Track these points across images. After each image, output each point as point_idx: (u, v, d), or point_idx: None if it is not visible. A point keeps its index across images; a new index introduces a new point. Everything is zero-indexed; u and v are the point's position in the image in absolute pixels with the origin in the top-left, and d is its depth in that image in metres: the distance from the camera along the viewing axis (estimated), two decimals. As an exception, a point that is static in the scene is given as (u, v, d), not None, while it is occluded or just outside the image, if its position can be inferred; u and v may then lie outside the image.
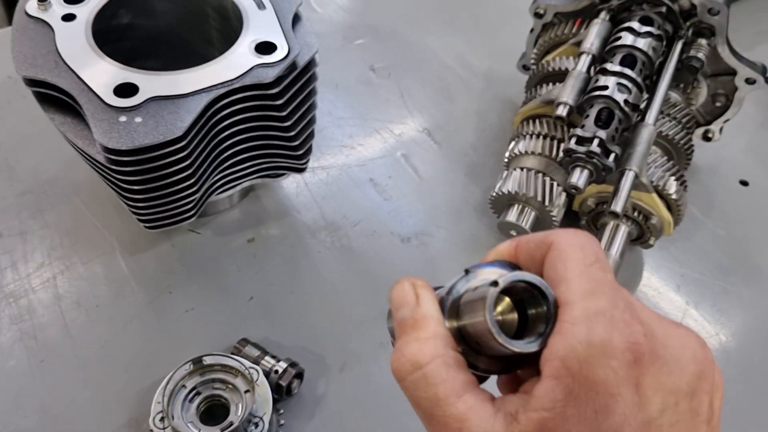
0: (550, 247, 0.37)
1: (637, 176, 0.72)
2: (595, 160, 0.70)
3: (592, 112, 0.73)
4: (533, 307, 0.36)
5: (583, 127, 0.72)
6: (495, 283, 0.35)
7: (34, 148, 0.90)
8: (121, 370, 0.71)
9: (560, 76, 0.83)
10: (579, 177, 0.71)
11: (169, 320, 0.76)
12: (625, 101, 0.73)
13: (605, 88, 0.73)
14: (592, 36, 0.80)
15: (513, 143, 0.85)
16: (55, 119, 0.67)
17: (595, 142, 0.70)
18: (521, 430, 0.32)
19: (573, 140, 0.72)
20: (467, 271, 0.39)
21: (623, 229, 0.78)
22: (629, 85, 0.74)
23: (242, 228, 0.85)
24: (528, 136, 0.83)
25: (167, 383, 0.64)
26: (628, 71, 0.74)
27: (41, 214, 0.84)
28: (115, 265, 0.80)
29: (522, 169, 0.81)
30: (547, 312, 0.35)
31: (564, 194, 0.80)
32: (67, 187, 0.86)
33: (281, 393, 0.69)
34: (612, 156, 0.71)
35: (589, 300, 0.33)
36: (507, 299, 0.38)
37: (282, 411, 0.70)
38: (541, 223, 0.81)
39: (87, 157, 0.68)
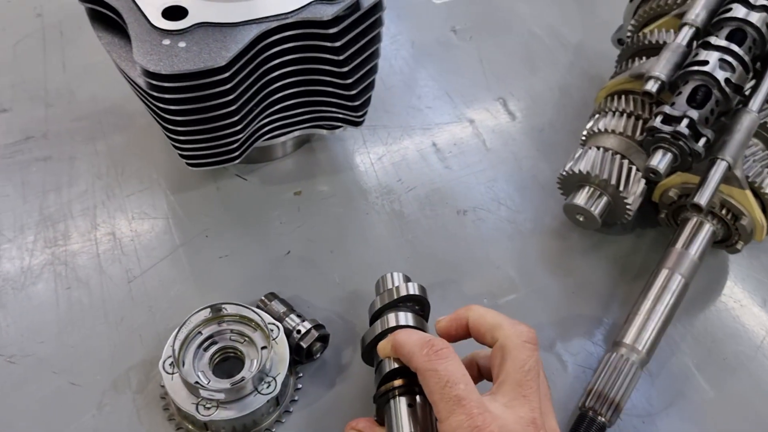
0: (416, 369, 0.52)
1: (730, 167, 0.62)
2: (681, 143, 0.61)
3: (686, 89, 0.64)
4: None
5: (672, 105, 0.63)
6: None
7: (96, 77, 0.88)
8: (144, 308, 0.69)
9: (656, 50, 0.73)
10: (660, 160, 0.62)
11: (201, 264, 0.73)
12: (727, 80, 0.63)
13: (705, 63, 0.64)
14: (699, 6, 0.70)
15: (593, 120, 0.76)
16: (103, 38, 0.65)
17: (685, 122, 0.61)
18: None
19: (659, 118, 0.63)
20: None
21: (707, 228, 0.69)
22: (734, 62, 0.64)
23: (291, 180, 0.81)
24: (610, 114, 0.74)
25: (182, 327, 0.61)
26: (734, 47, 0.65)
27: (92, 142, 0.82)
28: (157, 202, 0.77)
29: (599, 148, 0.72)
30: None
31: (643, 181, 0.71)
32: (122, 119, 0.84)
33: (302, 355, 0.64)
34: (703, 141, 0.62)
35: (450, 419, 0.48)
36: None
37: (301, 374, 0.65)
38: (613, 210, 0.72)
39: (130, 81, 0.65)
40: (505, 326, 0.53)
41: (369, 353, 0.61)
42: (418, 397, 0.54)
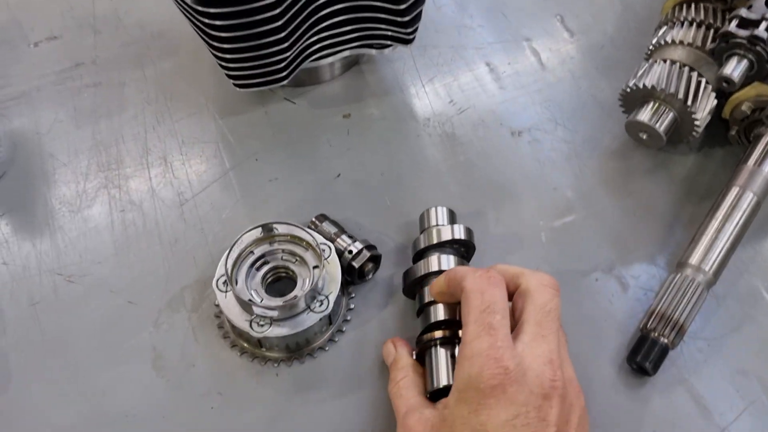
0: (463, 289, 0.52)
1: (812, 75, 0.58)
2: (758, 48, 0.57)
3: (766, -10, 0.59)
4: None
5: (749, 7, 0.59)
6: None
7: (143, 2, 0.87)
8: (197, 230, 0.69)
9: (732, -48, 0.68)
10: (735, 68, 0.58)
11: (252, 187, 0.72)
12: (813, -22, 0.58)
13: (788, -40, 0.59)
14: None
15: (660, 32, 0.71)
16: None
17: (763, 25, 0.57)
18: (433, 414, 0.52)
19: (734, 22, 0.58)
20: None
21: (783, 144, 0.65)
22: (821, -42, 0.58)
23: (340, 102, 0.79)
24: (678, 24, 0.70)
25: (234, 246, 0.61)
26: (822, -59, 0.59)
27: (141, 67, 0.81)
28: (206, 126, 0.76)
29: (665, 61, 0.68)
30: None
31: (713, 95, 0.67)
32: (169, 45, 0.83)
33: (354, 276, 0.63)
34: (783, 45, 0.57)
35: (474, 342, 0.49)
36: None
37: (354, 295, 0.65)
38: (680, 128, 0.69)
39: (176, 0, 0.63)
40: (527, 273, 0.54)
41: (411, 289, 0.62)
42: (457, 348, 0.55)
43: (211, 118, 0.77)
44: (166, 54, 0.83)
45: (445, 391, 0.54)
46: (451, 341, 0.56)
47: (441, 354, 0.56)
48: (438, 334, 0.57)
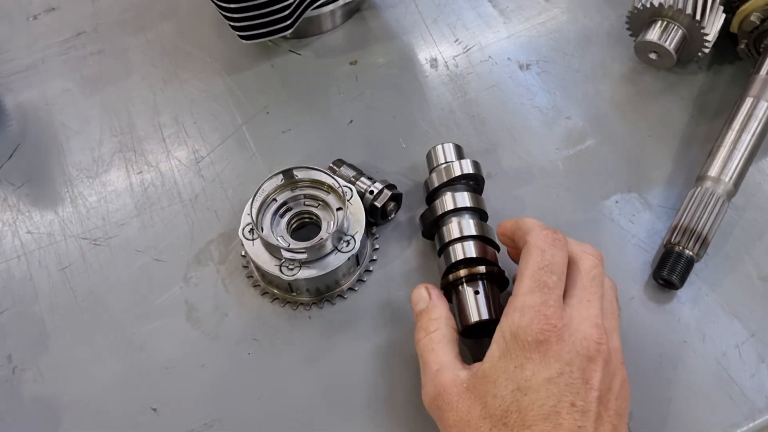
0: (526, 243, 0.52)
1: (821, -25, 0.57)
2: (767, -49, 0.56)
3: None
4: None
5: None
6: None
7: (137, -34, 0.86)
8: (216, 186, 0.69)
9: None
10: (744, -27, 0.57)
11: (266, 140, 0.72)
12: None
13: None
14: None
15: (662, -50, 0.71)
16: None
17: (771, -73, 0.56)
18: (472, 373, 0.50)
19: (741, -72, 0.58)
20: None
21: (794, 51, 0.64)
22: None
23: (345, 50, 0.78)
24: (681, -60, 0.69)
25: (257, 194, 0.61)
26: None
27: (142, 32, 0.81)
28: (214, 84, 0.76)
29: (670, -22, 0.67)
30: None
31: (722, 9, 0.66)
32: (167, 7, 0.83)
33: (376, 216, 0.64)
34: (791, -53, 0.57)
35: (527, 296, 0.49)
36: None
37: (377, 236, 0.65)
38: (689, 45, 0.68)
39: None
40: (572, 242, 0.53)
41: (429, 231, 0.63)
42: (481, 284, 0.57)
43: (218, 75, 0.77)
44: (165, 16, 0.82)
45: (474, 328, 0.55)
46: (475, 279, 0.57)
47: (469, 292, 0.57)
48: (463, 272, 0.57)
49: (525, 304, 0.49)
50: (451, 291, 0.58)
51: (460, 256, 0.59)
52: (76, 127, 0.74)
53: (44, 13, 0.83)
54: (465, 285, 0.57)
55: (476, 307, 0.56)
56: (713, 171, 0.62)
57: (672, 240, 0.60)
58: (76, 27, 0.82)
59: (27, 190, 0.70)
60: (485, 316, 0.56)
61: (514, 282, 0.53)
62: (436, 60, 0.77)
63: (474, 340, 0.58)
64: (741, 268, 0.62)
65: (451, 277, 0.58)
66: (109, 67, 0.78)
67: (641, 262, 0.63)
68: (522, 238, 0.53)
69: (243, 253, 0.64)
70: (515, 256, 0.57)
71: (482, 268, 0.57)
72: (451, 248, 0.60)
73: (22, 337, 0.62)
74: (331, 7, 0.74)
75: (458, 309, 0.57)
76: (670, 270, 0.59)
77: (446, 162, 0.63)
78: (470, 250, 0.59)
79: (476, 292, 0.57)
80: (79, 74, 0.78)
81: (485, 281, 0.57)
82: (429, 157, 0.65)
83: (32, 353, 0.61)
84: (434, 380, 0.51)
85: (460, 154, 0.65)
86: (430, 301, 0.56)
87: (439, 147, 0.64)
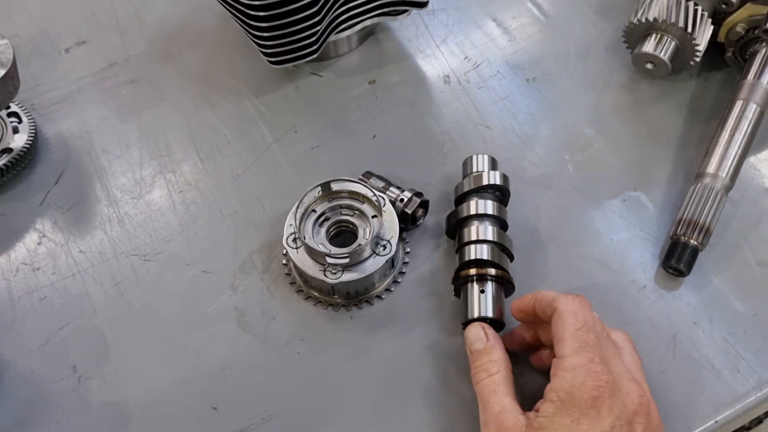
0: (555, 310, 0.56)
1: (799, -11, 0.64)
2: (751, -30, 0.63)
3: None
4: None
5: (738, -65, 0.65)
6: None
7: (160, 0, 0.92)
8: (253, 200, 0.74)
9: None
10: (731, -10, 0.64)
11: (296, 156, 0.78)
12: None
13: None
14: None
15: (652, -30, 0.77)
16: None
17: (753, -51, 0.63)
18: (529, 421, 0.53)
19: (726, -50, 0.65)
20: None
21: (777, 56, 0.71)
22: None
23: (363, 71, 0.84)
24: (670, -40, 0.76)
25: (298, 206, 0.66)
26: None
27: (171, 60, 0.86)
28: (242, 107, 0.82)
29: (662, -5, 0.74)
30: None
31: (710, 21, 0.73)
32: (193, 37, 0.88)
33: (406, 222, 0.69)
34: (771, -35, 0.64)
35: (574, 357, 0.53)
36: None
37: (408, 240, 0.71)
38: (681, 55, 0.75)
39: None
40: (560, 298, 0.57)
41: (453, 230, 0.69)
42: (488, 285, 0.63)
43: (246, 98, 0.82)
44: (191, 44, 0.87)
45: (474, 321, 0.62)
46: (484, 279, 0.63)
47: (475, 289, 0.63)
48: (473, 271, 0.63)
49: (575, 364, 0.52)
50: (459, 287, 0.64)
51: (473, 256, 0.64)
52: (117, 151, 0.79)
53: (75, 47, 0.88)
54: (473, 283, 0.63)
55: (479, 304, 0.62)
56: (711, 168, 0.68)
57: (678, 232, 0.66)
58: (107, 58, 0.87)
59: (76, 213, 0.75)
60: (485, 314, 0.62)
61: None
62: (448, 77, 0.83)
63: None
64: (740, 255, 0.69)
65: (461, 273, 0.64)
66: (143, 94, 0.83)
67: (650, 253, 0.69)
68: (548, 308, 0.57)
69: (285, 261, 0.69)
70: (537, 360, 0.62)
71: (491, 270, 0.63)
72: (466, 248, 0.65)
73: (84, 348, 0.66)
74: (348, 32, 0.80)
75: (463, 304, 0.63)
76: (677, 259, 0.65)
77: (478, 171, 0.69)
78: (483, 252, 0.64)
79: (482, 291, 0.63)
80: (114, 102, 0.83)
81: (493, 283, 0.63)
82: (465, 164, 0.71)
83: (95, 363, 0.65)
84: (497, 420, 0.54)
85: (493, 166, 0.70)
86: (488, 342, 0.59)
87: (475, 156, 0.70)
